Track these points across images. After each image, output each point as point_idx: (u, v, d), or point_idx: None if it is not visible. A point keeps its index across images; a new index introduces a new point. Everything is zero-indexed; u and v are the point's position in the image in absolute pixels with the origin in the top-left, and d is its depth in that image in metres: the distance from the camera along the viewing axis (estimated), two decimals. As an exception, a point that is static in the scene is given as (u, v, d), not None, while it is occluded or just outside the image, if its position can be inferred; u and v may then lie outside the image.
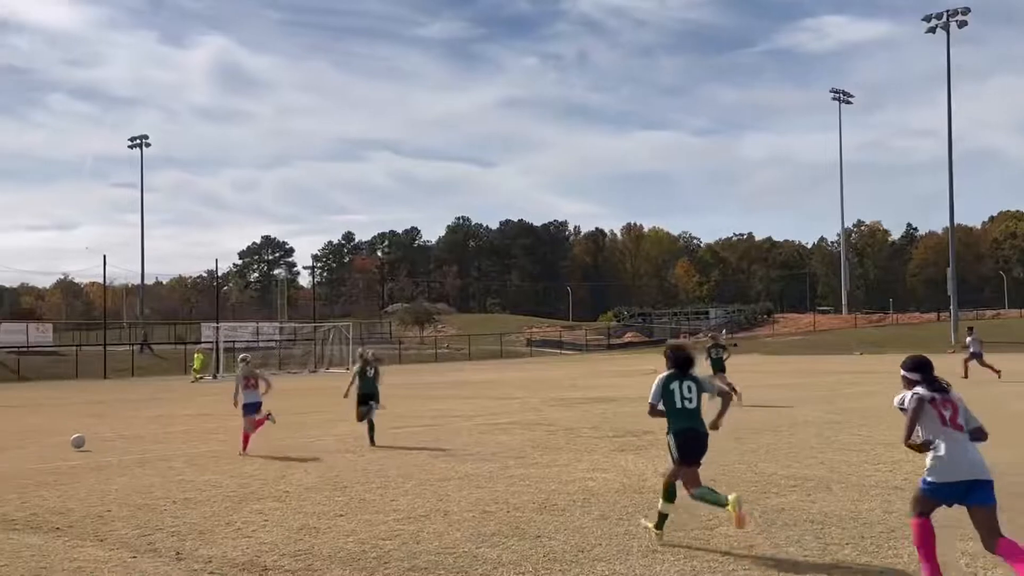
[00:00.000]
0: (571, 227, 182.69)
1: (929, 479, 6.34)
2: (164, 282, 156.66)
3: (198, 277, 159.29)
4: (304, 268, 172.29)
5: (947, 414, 6.44)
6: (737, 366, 29.11)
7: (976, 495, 6.23)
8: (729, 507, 7.58)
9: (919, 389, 6.57)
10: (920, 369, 6.70)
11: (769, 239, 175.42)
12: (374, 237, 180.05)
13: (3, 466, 14.24)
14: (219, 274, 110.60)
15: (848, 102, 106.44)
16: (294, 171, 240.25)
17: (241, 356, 16.98)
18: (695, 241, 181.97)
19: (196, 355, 52.14)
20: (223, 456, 14.92)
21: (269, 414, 15.74)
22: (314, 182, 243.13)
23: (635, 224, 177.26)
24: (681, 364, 7.97)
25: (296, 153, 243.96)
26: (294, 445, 16.18)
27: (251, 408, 15.59)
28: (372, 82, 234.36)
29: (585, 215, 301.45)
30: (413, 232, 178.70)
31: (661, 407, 8.03)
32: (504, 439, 16.36)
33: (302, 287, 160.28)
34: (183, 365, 57.68)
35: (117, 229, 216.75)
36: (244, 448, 15.17)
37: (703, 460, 7.98)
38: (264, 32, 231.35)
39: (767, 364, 37.62)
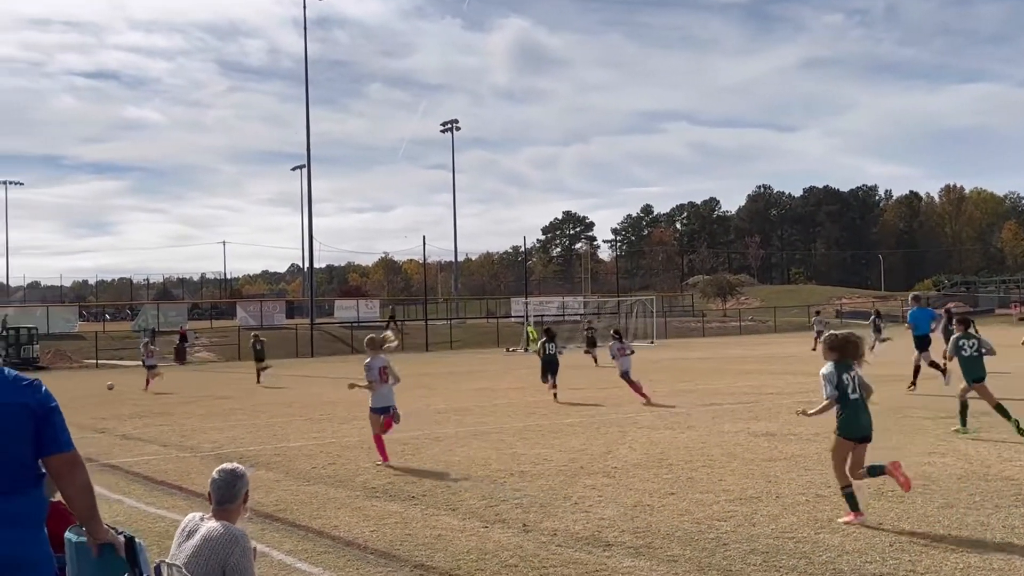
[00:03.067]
0: (881, 191, 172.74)
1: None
2: (473, 258, 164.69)
3: (504, 253, 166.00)
4: (604, 242, 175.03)
5: (625, 351, 20.55)
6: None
7: None
8: None
9: (614, 343, 20.76)
10: (618, 333, 21.77)
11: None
12: (672, 209, 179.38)
13: (354, 436, 15.64)
14: (525, 249, 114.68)
15: None
16: (591, 146, 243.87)
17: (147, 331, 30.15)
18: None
19: (529, 329, 54.40)
20: (548, 430, 15.58)
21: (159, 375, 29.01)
22: (611, 156, 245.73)
23: (954, 185, 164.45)
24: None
25: (593, 128, 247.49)
26: (615, 420, 16.60)
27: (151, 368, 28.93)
28: (667, 52, 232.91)
29: (897, 178, 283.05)
30: (712, 202, 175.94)
31: None
32: (827, 419, 15.84)
33: (603, 260, 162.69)
34: (495, 338, 60.56)
35: (429, 209, 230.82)
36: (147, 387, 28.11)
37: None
38: (560, 10, 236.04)
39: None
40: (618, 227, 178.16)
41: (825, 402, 8.42)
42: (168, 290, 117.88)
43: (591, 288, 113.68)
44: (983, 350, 13.48)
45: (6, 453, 3.59)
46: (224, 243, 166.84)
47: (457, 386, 26.94)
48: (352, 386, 13.09)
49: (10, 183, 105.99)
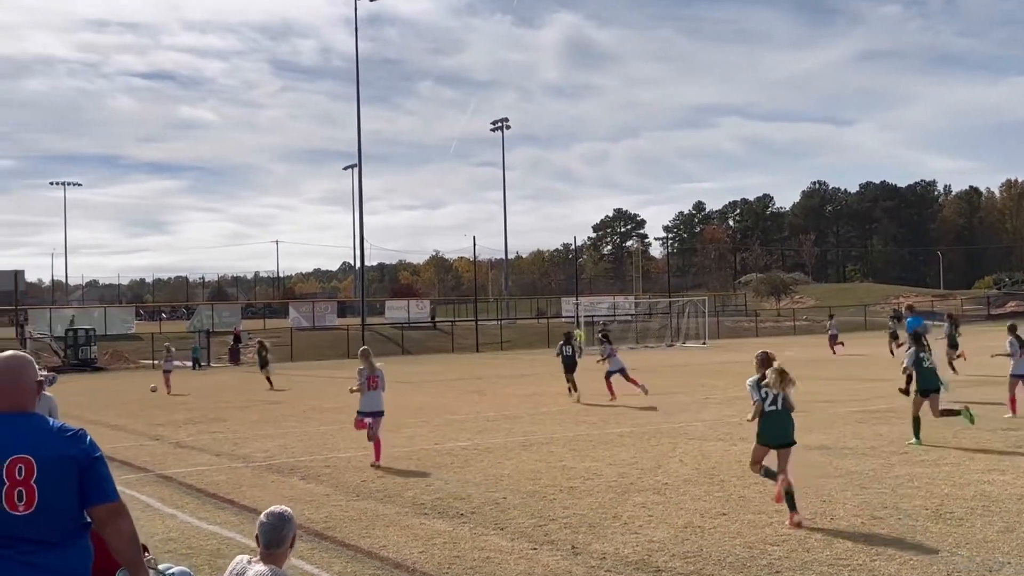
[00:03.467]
0: (940, 186, 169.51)
1: None
2: (524, 256, 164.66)
3: (554, 251, 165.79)
4: (656, 239, 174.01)
5: (614, 352, 22.59)
6: None
7: None
8: None
9: (605, 344, 22.57)
10: (606, 336, 23.13)
11: None
12: (725, 205, 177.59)
13: (403, 447, 15.65)
14: (575, 248, 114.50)
15: None
16: (642, 142, 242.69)
17: None
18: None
19: (578, 332, 54.02)
20: (598, 440, 15.48)
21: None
22: (662, 151, 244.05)
23: (1016, 180, 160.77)
24: None
25: (644, 123, 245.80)
26: (666, 430, 16.44)
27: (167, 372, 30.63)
28: (720, 46, 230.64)
29: (956, 172, 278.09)
30: (766, 199, 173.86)
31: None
32: (883, 430, 15.59)
33: (654, 258, 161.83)
34: (546, 339, 60.37)
35: (479, 206, 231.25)
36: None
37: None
38: (610, 5, 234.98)
39: None
40: (670, 224, 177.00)
41: (755, 406, 9.61)
42: (223, 289, 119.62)
43: (642, 287, 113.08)
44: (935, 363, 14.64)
45: (52, 504, 3.62)
46: (277, 242, 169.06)
47: (507, 390, 26.93)
48: (353, 391, 14.36)
49: (69, 184, 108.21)
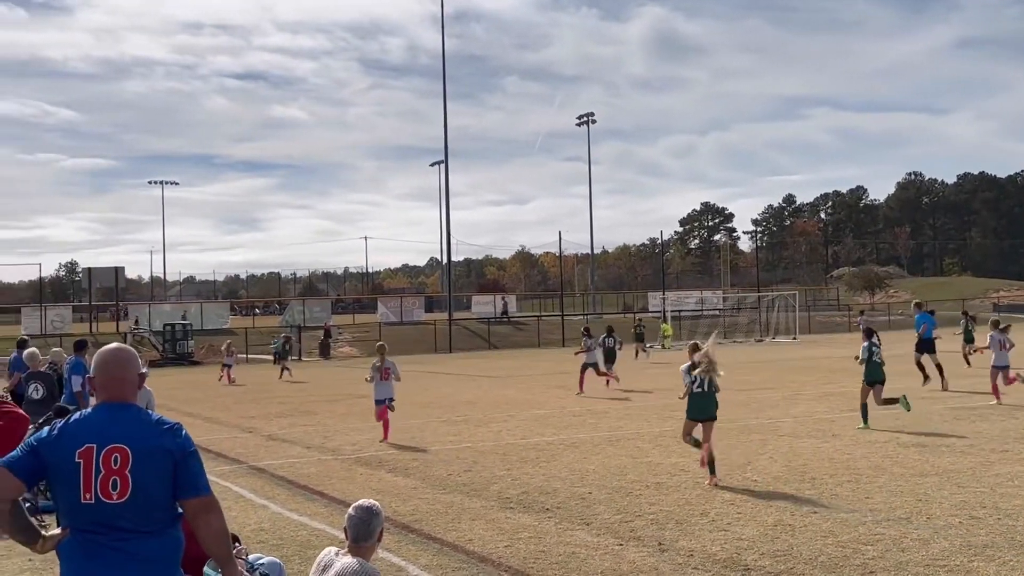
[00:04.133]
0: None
1: None
2: (609, 251, 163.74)
3: (641, 245, 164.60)
4: (744, 233, 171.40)
5: (592, 347, 24.83)
6: None
7: None
8: None
9: (585, 339, 24.78)
10: (587, 330, 25.74)
11: None
12: (816, 198, 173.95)
13: (490, 440, 15.74)
14: (662, 242, 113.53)
15: None
16: (731, 134, 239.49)
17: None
18: None
19: (664, 326, 53.59)
20: (685, 436, 15.30)
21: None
22: (751, 144, 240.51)
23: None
24: None
25: (732, 116, 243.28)
26: (755, 427, 16.20)
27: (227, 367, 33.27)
28: (811, 36, 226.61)
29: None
30: (859, 191, 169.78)
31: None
32: (982, 427, 15.12)
33: (743, 252, 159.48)
34: (632, 334, 60.03)
35: (565, 201, 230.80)
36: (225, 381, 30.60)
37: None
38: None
39: None
40: (759, 218, 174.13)
41: (685, 388, 11.44)
42: (313, 284, 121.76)
43: (730, 281, 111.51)
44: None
45: (145, 494, 3.71)
46: (366, 238, 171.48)
47: (592, 386, 26.75)
48: (367, 380, 16.81)
49: (166, 183, 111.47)
